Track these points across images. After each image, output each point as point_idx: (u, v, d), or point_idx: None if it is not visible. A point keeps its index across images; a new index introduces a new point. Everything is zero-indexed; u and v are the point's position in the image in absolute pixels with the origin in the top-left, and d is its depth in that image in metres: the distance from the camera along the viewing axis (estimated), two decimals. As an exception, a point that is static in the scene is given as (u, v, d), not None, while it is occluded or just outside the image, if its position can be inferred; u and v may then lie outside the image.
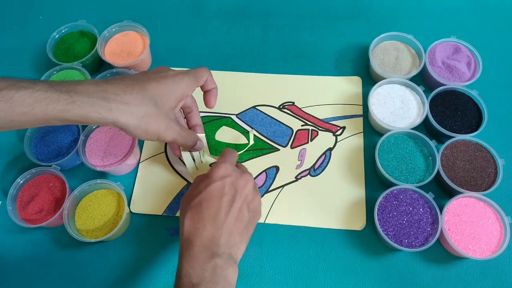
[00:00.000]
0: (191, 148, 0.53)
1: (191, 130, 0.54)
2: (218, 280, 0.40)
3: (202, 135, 0.55)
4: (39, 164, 0.59)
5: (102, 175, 0.61)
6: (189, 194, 0.46)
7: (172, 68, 0.50)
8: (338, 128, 0.63)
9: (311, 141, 0.62)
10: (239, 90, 0.67)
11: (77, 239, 0.53)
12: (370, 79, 0.67)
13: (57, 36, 0.70)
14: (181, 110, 0.56)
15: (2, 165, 0.63)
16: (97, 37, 0.68)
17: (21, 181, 0.58)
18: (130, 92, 0.43)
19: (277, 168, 0.60)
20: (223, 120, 0.64)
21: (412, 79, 0.64)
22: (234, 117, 0.65)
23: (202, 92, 0.54)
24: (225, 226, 0.42)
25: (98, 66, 0.71)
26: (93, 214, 0.56)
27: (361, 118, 0.64)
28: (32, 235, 0.58)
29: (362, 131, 0.63)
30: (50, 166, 0.58)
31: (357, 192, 0.58)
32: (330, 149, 0.62)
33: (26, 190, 0.58)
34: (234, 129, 0.64)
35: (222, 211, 0.43)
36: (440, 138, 0.59)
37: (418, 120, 0.60)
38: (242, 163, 0.61)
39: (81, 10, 0.78)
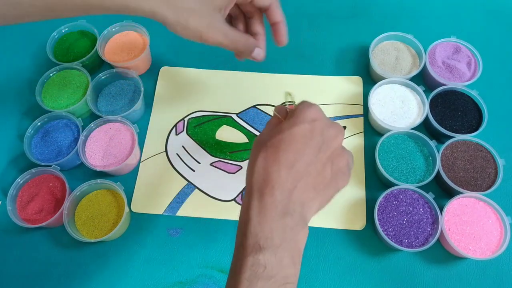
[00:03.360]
0: (248, 56, 0.46)
1: (247, 34, 0.47)
2: (287, 245, 0.34)
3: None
4: (39, 164, 0.59)
5: (102, 175, 0.61)
6: (265, 133, 0.39)
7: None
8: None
9: None
10: (239, 89, 0.67)
11: (77, 239, 0.53)
12: (370, 79, 0.67)
13: (57, 36, 0.70)
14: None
15: (2, 165, 0.63)
16: (97, 37, 0.68)
17: (21, 181, 0.58)
18: None
19: None
20: (224, 119, 0.64)
21: (412, 79, 0.64)
22: (234, 116, 0.65)
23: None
24: (302, 178, 0.35)
25: (98, 66, 0.71)
26: (93, 214, 0.56)
27: (362, 118, 0.64)
28: (32, 235, 0.58)
29: (362, 131, 0.63)
30: (50, 166, 0.58)
31: (357, 192, 0.58)
32: None
33: (26, 190, 0.58)
34: (235, 128, 0.64)
35: (303, 158, 0.35)
36: (440, 138, 0.59)
37: (418, 120, 0.60)
38: (242, 162, 0.61)
39: (81, 10, 0.78)
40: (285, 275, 0.34)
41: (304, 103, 0.39)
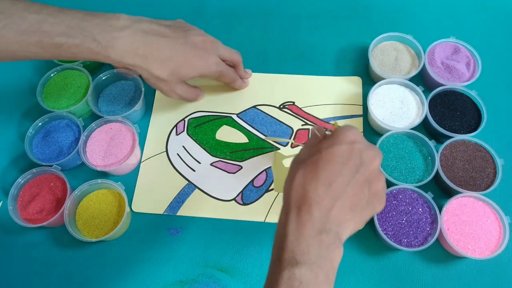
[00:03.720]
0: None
1: (197, 89, 0.62)
2: (322, 263, 0.35)
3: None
4: (40, 164, 0.59)
5: (103, 175, 0.61)
6: (303, 152, 0.40)
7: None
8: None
9: None
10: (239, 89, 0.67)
11: (77, 238, 0.54)
12: (369, 80, 0.67)
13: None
14: None
15: (3, 165, 0.63)
16: (97, 37, 0.68)
17: (22, 181, 0.58)
18: (158, 57, 0.51)
19: None
20: (224, 119, 0.65)
21: (412, 80, 0.64)
22: (234, 117, 0.65)
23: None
24: (340, 197, 0.36)
25: (99, 67, 0.71)
26: (94, 214, 0.57)
27: (361, 118, 0.64)
28: (33, 235, 0.58)
29: (362, 131, 0.63)
30: (51, 166, 0.58)
31: None
32: None
33: (27, 190, 0.58)
34: (235, 128, 0.64)
35: (341, 178, 0.36)
36: (439, 138, 0.59)
37: (417, 120, 0.60)
38: (242, 162, 0.61)
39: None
40: None
41: (344, 126, 0.40)
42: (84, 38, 0.45)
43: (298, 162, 0.39)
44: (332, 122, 0.43)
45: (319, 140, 0.41)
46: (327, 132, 0.43)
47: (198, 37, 0.55)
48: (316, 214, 0.36)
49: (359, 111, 0.64)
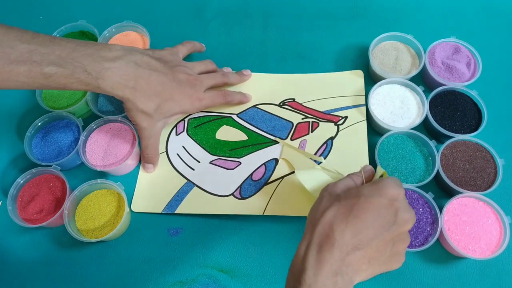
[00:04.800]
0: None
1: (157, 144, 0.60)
2: None
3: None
4: (39, 164, 0.59)
5: (103, 175, 0.61)
6: (341, 187, 0.41)
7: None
8: (340, 118, 0.63)
9: (311, 132, 0.62)
10: (239, 89, 0.67)
11: (77, 239, 0.54)
12: (370, 79, 0.67)
13: (57, 36, 0.70)
14: None
15: (2, 165, 0.63)
16: (97, 37, 0.68)
17: (21, 181, 0.58)
18: (146, 91, 0.52)
19: (276, 161, 0.60)
20: (224, 119, 0.65)
21: (412, 79, 0.64)
22: (234, 117, 0.65)
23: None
24: (363, 248, 0.37)
25: (98, 66, 0.71)
26: (94, 214, 0.57)
27: (364, 107, 0.63)
28: (33, 235, 0.58)
29: (365, 118, 0.63)
30: (51, 166, 0.58)
31: None
32: (332, 138, 0.61)
33: (26, 190, 0.58)
34: (235, 128, 0.64)
35: (370, 231, 0.37)
36: (439, 138, 0.59)
37: (417, 120, 0.60)
38: (241, 158, 0.61)
39: (81, 10, 0.78)
40: None
41: (391, 178, 0.41)
42: (74, 69, 0.44)
43: (333, 195, 0.40)
44: (380, 171, 0.45)
45: (361, 182, 0.42)
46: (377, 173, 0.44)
47: (183, 74, 0.56)
48: (337, 255, 0.36)
49: (362, 100, 0.64)
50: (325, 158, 0.59)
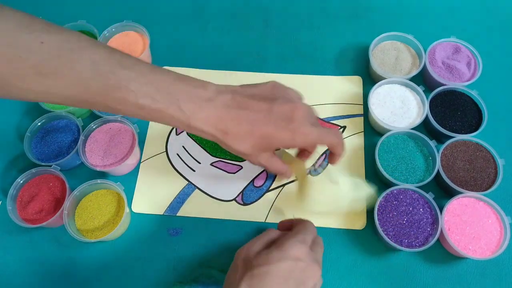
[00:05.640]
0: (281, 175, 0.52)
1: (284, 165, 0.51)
2: None
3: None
4: (39, 164, 0.59)
5: (102, 175, 0.61)
6: (253, 250, 0.43)
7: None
8: (339, 127, 0.63)
9: None
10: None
11: (77, 239, 0.53)
12: (370, 79, 0.67)
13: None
14: None
15: (2, 165, 0.63)
16: (97, 37, 0.68)
17: (21, 181, 0.58)
18: (237, 133, 0.46)
19: None
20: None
21: (412, 79, 0.64)
22: None
23: None
24: None
25: (98, 66, 0.71)
26: (93, 214, 0.56)
27: (362, 118, 0.64)
28: (32, 235, 0.58)
29: (362, 130, 0.63)
30: (50, 166, 0.58)
31: None
32: None
33: (26, 190, 0.58)
34: None
35: None
36: (440, 138, 0.59)
37: (418, 120, 0.60)
38: (242, 162, 0.61)
39: (81, 10, 0.78)
40: None
41: (293, 241, 0.43)
42: (169, 105, 0.43)
43: (245, 262, 0.42)
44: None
45: (271, 239, 0.45)
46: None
47: (285, 106, 0.46)
48: None
49: (360, 110, 0.64)
50: (323, 169, 0.58)
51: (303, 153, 0.52)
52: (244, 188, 0.59)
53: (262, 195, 0.59)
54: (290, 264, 0.41)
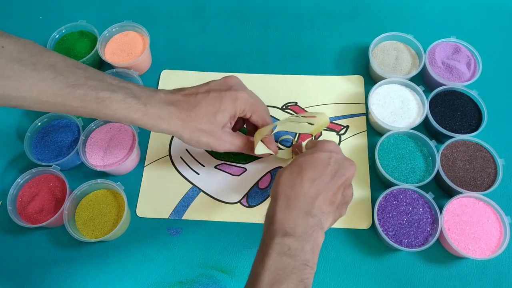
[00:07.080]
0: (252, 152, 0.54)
1: (245, 136, 0.55)
2: (308, 238, 0.40)
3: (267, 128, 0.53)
4: (39, 164, 0.59)
5: (102, 175, 0.61)
6: (288, 165, 0.45)
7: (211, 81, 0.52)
8: (342, 127, 0.63)
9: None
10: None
11: (77, 239, 0.54)
12: (370, 79, 0.67)
13: (57, 36, 0.70)
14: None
15: (2, 165, 0.63)
16: (97, 37, 0.68)
17: (21, 181, 0.58)
18: (189, 110, 0.49)
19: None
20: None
21: (412, 79, 0.64)
22: None
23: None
24: (322, 192, 0.42)
25: (98, 66, 0.71)
26: (93, 214, 0.57)
27: (364, 117, 0.64)
28: (32, 235, 0.58)
29: (365, 129, 0.63)
30: (50, 166, 0.58)
31: (362, 190, 0.58)
32: None
33: (26, 190, 0.58)
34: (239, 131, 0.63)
35: (323, 177, 0.43)
36: (440, 138, 0.59)
37: (418, 120, 0.60)
38: (246, 165, 0.61)
39: (81, 10, 0.78)
40: (306, 258, 0.40)
41: (324, 140, 0.47)
42: (125, 94, 0.46)
43: (282, 170, 0.45)
44: (307, 140, 0.52)
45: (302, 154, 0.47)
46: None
47: (218, 81, 0.52)
48: (303, 201, 0.42)
49: (363, 109, 0.64)
50: None
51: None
52: (249, 190, 0.59)
53: (267, 197, 0.59)
54: (325, 154, 0.44)
